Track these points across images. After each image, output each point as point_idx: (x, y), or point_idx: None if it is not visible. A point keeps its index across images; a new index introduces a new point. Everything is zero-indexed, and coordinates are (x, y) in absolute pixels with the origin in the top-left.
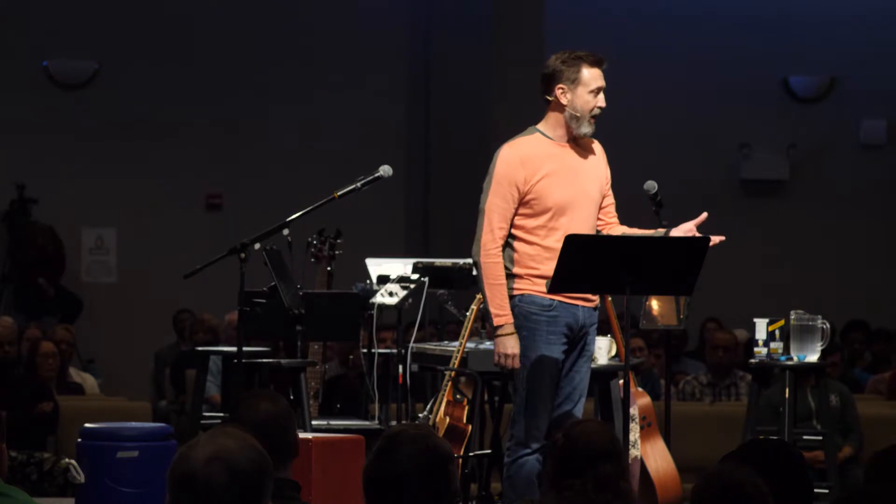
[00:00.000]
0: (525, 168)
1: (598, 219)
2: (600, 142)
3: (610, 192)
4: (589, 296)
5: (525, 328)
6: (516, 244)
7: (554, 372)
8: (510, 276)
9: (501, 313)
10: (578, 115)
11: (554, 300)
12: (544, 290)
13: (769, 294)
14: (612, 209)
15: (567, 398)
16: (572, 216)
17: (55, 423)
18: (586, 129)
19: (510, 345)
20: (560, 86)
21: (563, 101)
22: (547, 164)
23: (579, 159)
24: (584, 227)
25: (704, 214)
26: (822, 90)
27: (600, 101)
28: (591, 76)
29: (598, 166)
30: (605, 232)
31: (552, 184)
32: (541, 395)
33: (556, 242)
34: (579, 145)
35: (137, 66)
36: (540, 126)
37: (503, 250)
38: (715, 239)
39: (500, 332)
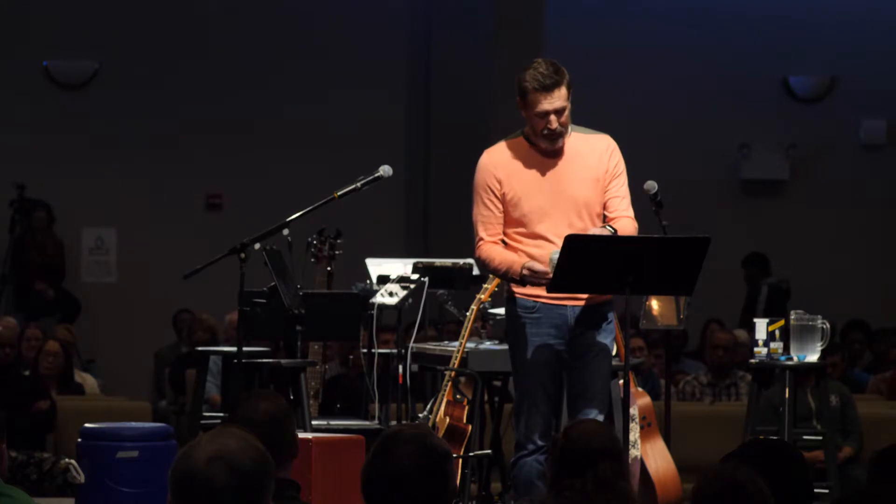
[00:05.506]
0: (498, 173)
1: (605, 214)
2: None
3: (615, 185)
4: (577, 294)
5: (511, 331)
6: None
7: (543, 373)
8: None
9: (512, 269)
10: (530, 130)
11: (536, 302)
12: (528, 293)
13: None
14: (617, 202)
15: (579, 396)
16: (552, 222)
17: (52, 422)
18: (542, 143)
19: (538, 269)
20: (518, 99)
21: (522, 113)
22: (520, 171)
23: (562, 161)
24: (568, 232)
25: None
26: (822, 90)
27: (550, 123)
28: (535, 101)
29: (589, 165)
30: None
31: (525, 190)
32: (531, 397)
33: (537, 248)
34: (567, 145)
35: (137, 66)
36: (526, 128)
37: None
38: None
39: (524, 275)
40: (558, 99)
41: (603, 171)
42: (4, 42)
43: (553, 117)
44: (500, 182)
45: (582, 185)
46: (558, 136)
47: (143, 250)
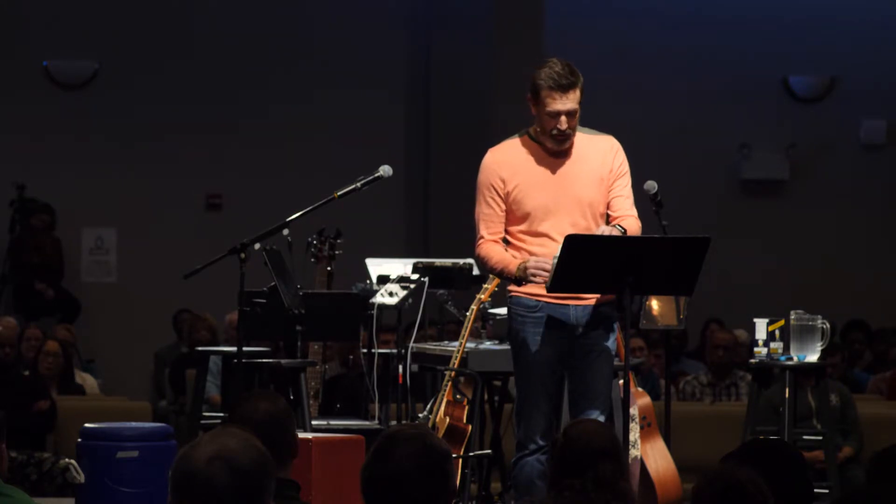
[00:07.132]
0: (502, 172)
1: (607, 214)
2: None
3: (619, 185)
4: (581, 294)
5: (513, 330)
6: (508, 249)
7: (544, 373)
8: None
9: (508, 268)
10: (539, 129)
11: (539, 301)
12: (531, 292)
13: (769, 294)
14: (621, 202)
15: (581, 396)
16: (555, 220)
17: (52, 422)
18: (549, 144)
19: (538, 268)
20: (529, 95)
21: (532, 111)
22: (525, 169)
23: (567, 161)
24: (571, 231)
25: None
26: (822, 90)
27: (560, 123)
28: (549, 99)
29: (593, 166)
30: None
31: (529, 188)
32: (531, 397)
33: (541, 247)
34: (573, 145)
35: (137, 66)
36: (532, 128)
37: None
38: None
39: (521, 273)
40: (571, 101)
41: (607, 172)
42: (4, 42)
43: (564, 118)
44: (503, 181)
45: (587, 185)
46: (566, 137)
47: (143, 250)
